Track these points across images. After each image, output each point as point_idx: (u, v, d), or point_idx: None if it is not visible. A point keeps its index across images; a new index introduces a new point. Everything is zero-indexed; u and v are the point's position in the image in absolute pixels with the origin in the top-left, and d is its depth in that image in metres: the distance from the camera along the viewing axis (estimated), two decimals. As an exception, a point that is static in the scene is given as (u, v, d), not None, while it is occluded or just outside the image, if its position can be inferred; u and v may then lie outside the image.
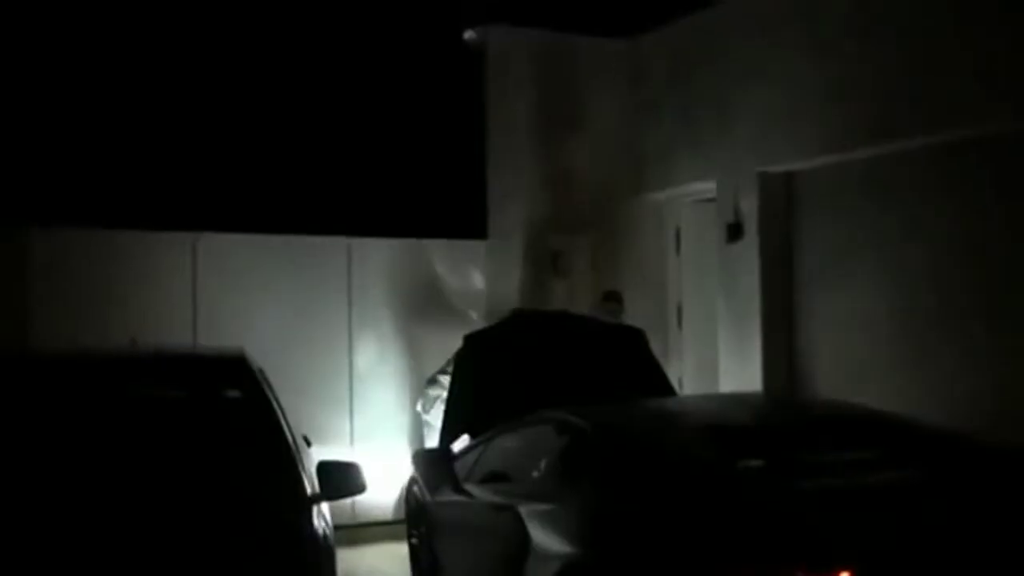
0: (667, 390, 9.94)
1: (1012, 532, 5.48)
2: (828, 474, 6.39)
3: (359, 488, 6.23)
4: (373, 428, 11.76)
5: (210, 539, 5.41)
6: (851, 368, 11.08)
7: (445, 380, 10.52)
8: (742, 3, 12.08)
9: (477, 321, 12.70)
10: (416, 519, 9.46)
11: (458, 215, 13.14)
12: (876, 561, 5.06)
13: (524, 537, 6.69)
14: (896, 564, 5.08)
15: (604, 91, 13.68)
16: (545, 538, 6.56)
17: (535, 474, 7.48)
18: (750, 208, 11.83)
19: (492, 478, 8.12)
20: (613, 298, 12.49)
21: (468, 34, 13.32)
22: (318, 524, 5.82)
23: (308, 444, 8.28)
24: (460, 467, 8.34)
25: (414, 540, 9.48)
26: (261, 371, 7.23)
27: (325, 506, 6.18)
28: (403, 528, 9.48)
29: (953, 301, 10.14)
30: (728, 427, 7.16)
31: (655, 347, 13.28)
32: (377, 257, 12.18)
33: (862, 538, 5.23)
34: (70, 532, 5.35)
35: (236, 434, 6.57)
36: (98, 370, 7.21)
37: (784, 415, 8.12)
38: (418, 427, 11.78)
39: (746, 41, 11.92)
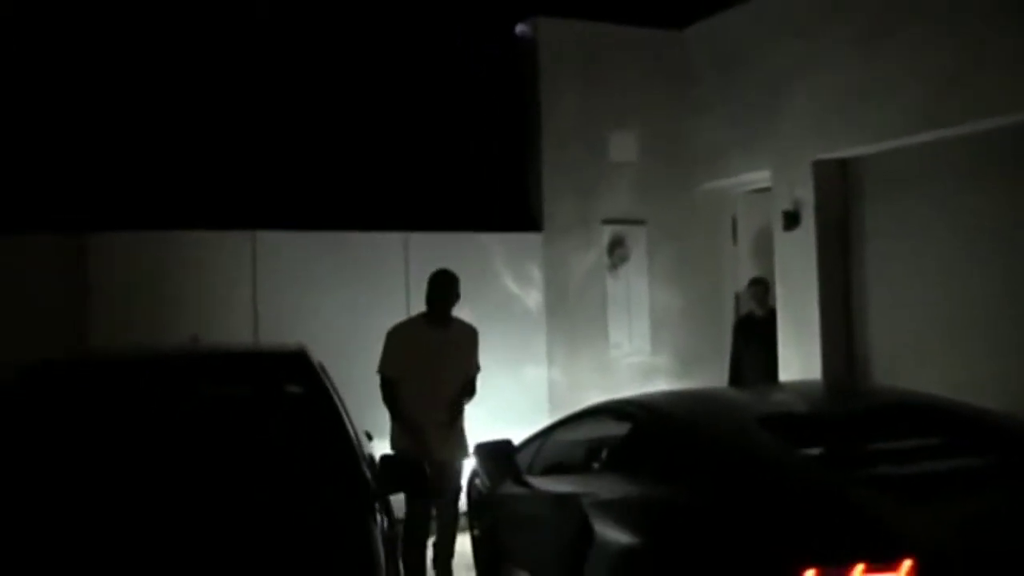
0: None
1: None
2: (890, 463, 6.37)
3: (420, 482, 6.28)
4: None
5: (274, 534, 5.43)
6: (910, 355, 11.04)
7: None
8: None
9: (535, 313, 12.73)
10: (478, 511, 9.50)
11: (514, 208, 13.15)
12: (939, 550, 5.03)
13: (586, 527, 6.71)
14: (959, 554, 5.05)
15: (655, 82, 13.67)
16: (607, 528, 6.56)
17: (596, 464, 7.50)
18: (806, 196, 11.80)
19: (554, 469, 8.14)
20: (759, 283, 12.53)
21: (520, 27, 13.34)
22: (380, 518, 5.85)
23: (370, 439, 8.33)
24: (522, 459, 8.36)
25: (476, 532, 9.53)
26: (322, 366, 7.28)
27: (387, 501, 6.23)
28: (465, 520, 9.52)
29: (1013, 286, 10.08)
30: (788, 416, 7.14)
31: (713, 336, 13.37)
32: (434, 251, 12.15)
33: (924, 527, 5.20)
34: (138, 526, 5.39)
35: (299, 429, 6.62)
36: (160, 368, 7.28)
37: (844, 403, 8.09)
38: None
39: (798, 29, 11.88)
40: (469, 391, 9.08)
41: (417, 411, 8.77)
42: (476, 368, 9.16)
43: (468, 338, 9.18)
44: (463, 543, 8.34)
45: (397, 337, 9.12)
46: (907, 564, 4.91)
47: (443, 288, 9.15)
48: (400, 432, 8.83)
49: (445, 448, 8.82)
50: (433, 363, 8.87)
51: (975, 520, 5.34)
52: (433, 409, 8.77)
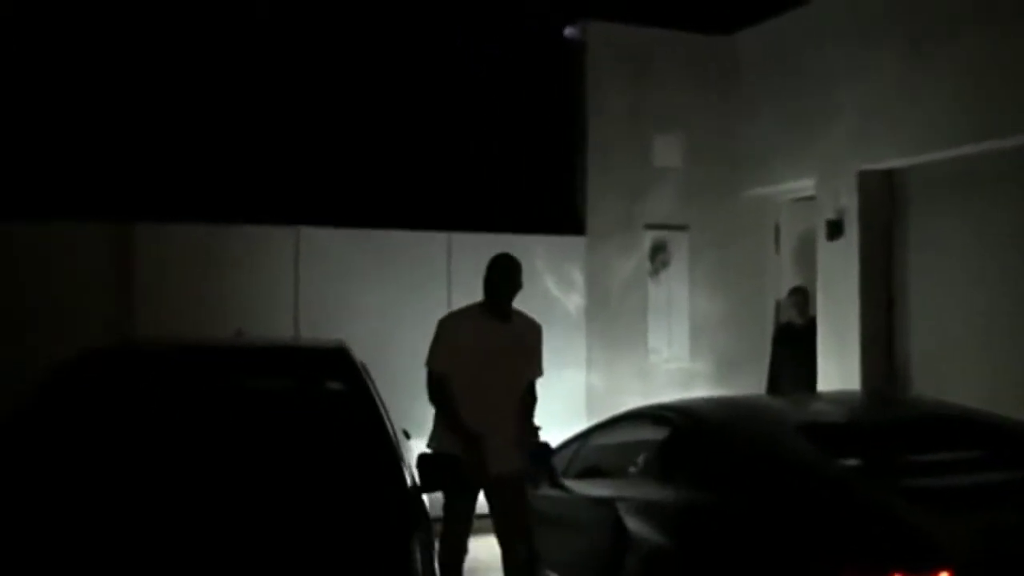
0: None
1: None
2: (927, 474, 6.38)
3: (458, 480, 6.31)
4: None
5: (312, 530, 5.45)
6: (951, 367, 10.99)
7: None
8: (841, 1, 12.01)
9: (575, 317, 12.75)
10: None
11: (557, 211, 13.16)
12: (976, 562, 5.04)
13: (622, 530, 6.74)
14: (996, 565, 5.06)
15: (701, 87, 13.66)
16: (643, 531, 6.60)
17: (632, 469, 7.52)
18: (850, 206, 11.77)
19: (590, 473, 8.17)
20: (799, 292, 12.56)
21: (568, 31, 13.36)
22: (419, 515, 5.88)
23: (408, 437, 8.35)
24: (558, 462, 8.39)
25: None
26: (363, 364, 7.32)
27: (424, 498, 6.25)
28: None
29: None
30: (826, 425, 7.16)
31: (752, 344, 13.35)
32: (476, 252, 12.11)
33: (962, 538, 5.21)
34: (172, 521, 5.43)
35: (339, 426, 6.63)
36: (204, 360, 7.33)
37: (883, 414, 8.09)
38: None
39: (844, 38, 11.86)
40: (532, 398, 7.78)
41: (470, 416, 7.41)
42: (539, 371, 7.86)
43: (534, 334, 7.87)
44: (492, 544, 8.07)
45: (451, 327, 7.82)
46: (944, 575, 4.92)
47: (509, 273, 7.83)
48: (448, 436, 7.48)
49: (503, 462, 7.41)
50: (492, 360, 7.58)
51: (1010, 532, 5.34)
52: (490, 415, 7.44)
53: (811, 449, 6.37)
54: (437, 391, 7.65)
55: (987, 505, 5.72)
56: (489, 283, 7.87)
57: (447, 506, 7.63)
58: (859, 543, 5.30)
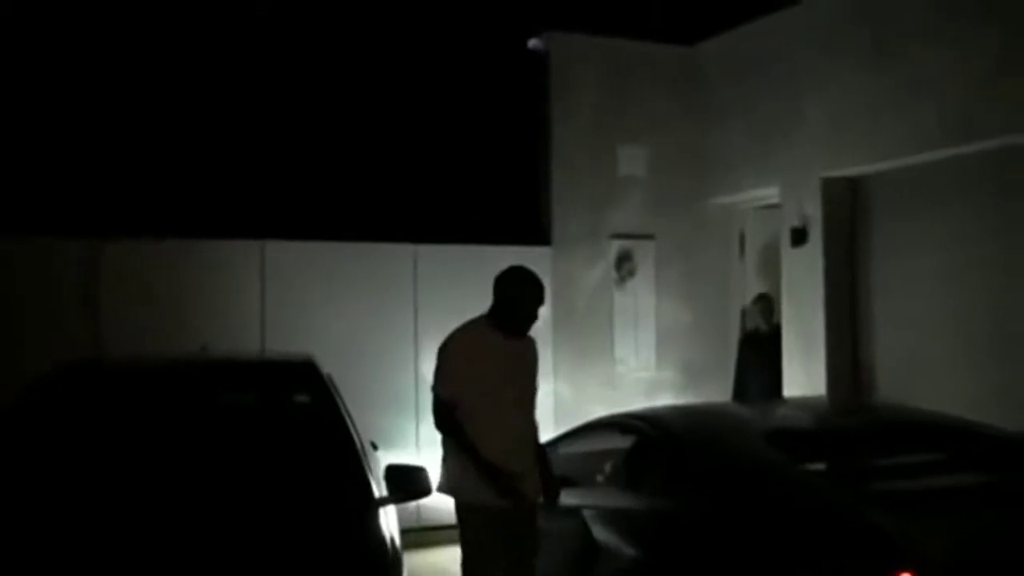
0: None
1: None
2: (890, 478, 6.46)
3: (425, 491, 6.30)
4: (438, 434, 11.81)
5: (280, 541, 5.47)
6: (916, 372, 11.07)
7: None
8: (804, 9, 12.08)
9: (542, 327, 12.77)
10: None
11: (523, 221, 13.18)
12: (937, 564, 5.09)
13: (590, 540, 6.77)
14: (956, 568, 5.11)
15: (666, 97, 13.70)
16: (610, 540, 6.63)
17: (599, 478, 7.56)
18: (814, 213, 11.85)
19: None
20: (764, 299, 12.65)
21: (532, 42, 13.38)
22: (386, 526, 5.88)
23: (375, 449, 8.37)
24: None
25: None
26: (330, 376, 7.33)
27: (392, 509, 6.25)
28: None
29: (1019, 303, 10.13)
30: (791, 431, 7.22)
31: (718, 351, 13.42)
32: (443, 263, 12.26)
33: (923, 541, 5.26)
34: (141, 537, 5.44)
35: (305, 438, 6.67)
36: (169, 376, 7.34)
37: (848, 419, 8.18)
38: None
39: (809, 47, 11.93)
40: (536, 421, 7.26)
41: (492, 445, 6.69)
42: (537, 389, 7.29)
43: (534, 349, 7.27)
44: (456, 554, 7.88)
45: (461, 347, 6.94)
46: (905, 577, 4.97)
47: (538, 291, 7.06)
48: (466, 473, 6.73)
49: (531, 492, 6.85)
50: (511, 382, 6.95)
51: (973, 535, 5.41)
52: (512, 443, 6.83)
53: (776, 455, 6.43)
54: (447, 419, 6.83)
55: (951, 508, 5.77)
56: (517, 302, 7.00)
57: (472, 551, 6.83)
58: (821, 547, 5.36)
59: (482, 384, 6.75)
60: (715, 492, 6.27)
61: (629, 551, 6.48)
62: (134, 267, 11.15)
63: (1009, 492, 6.10)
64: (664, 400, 12.34)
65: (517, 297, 6.97)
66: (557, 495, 6.97)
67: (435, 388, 6.91)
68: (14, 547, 5.30)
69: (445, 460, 6.93)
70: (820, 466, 6.50)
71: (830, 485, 6.24)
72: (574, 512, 7.02)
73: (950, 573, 5.10)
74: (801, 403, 9.92)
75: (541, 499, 6.95)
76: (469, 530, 6.80)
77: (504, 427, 6.78)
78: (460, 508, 6.83)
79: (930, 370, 10.92)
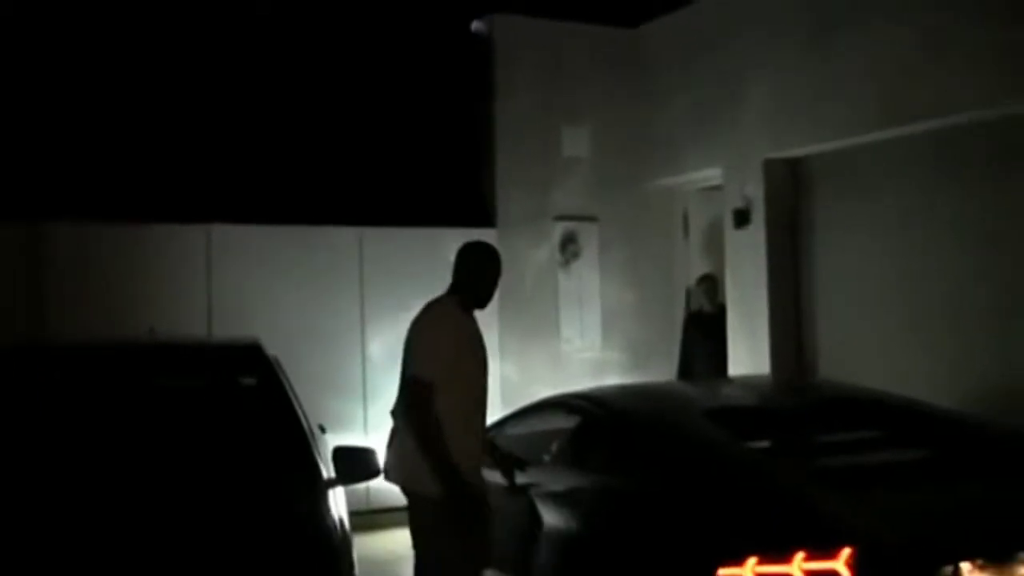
0: None
1: (1013, 514, 5.59)
2: (832, 455, 6.55)
3: (374, 472, 6.29)
4: (386, 416, 11.74)
5: (227, 525, 5.50)
6: (858, 352, 11.22)
7: None
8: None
9: (488, 308, 12.80)
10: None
11: (467, 204, 13.24)
12: (877, 539, 5.17)
13: (536, 518, 6.83)
14: (896, 543, 5.19)
15: (610, 79, 13.80)
16: (555, 519, 6.69)
17: (546, 457, 7.61)
18: (756, 194, 11.96)
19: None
20: (708, 280, 12.73)
21: (475, 24, 13.44)
22: (334, 508, 5.91)
23: (323, 432, 8.39)
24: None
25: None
26: (276, 359, 7.34)
27: (341, 492, 6.27)
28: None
29: (960, 287, 10.28)
30: (735, 409, 7.30)
31: (664, 331, 13.52)
32: (388, 246, 12.29)
33: (863, 517, 5.35)
34: (84, 520, 5.44)
35: (252, 421, 6.69)
36: (114, 359, 7.30)
37: (789, 397, 8.27)
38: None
39: (750, 29, 12.04)
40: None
41: (463, 440, 6.32)
42: None
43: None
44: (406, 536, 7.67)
45: (449, 326, 6.56)
46: (846, 552, 5.05)
47: (500, 267, 6.79)
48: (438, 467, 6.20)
49: (477, 483, 6.51)
50: (483, 370, 6.70)
51: (915, 510, 5.49)
52: (471, 435, 6.50)
53: (718, 432, 6.51)
54: (426, 413, 6.25)
55: (890, 485, 5.86)
56: (488, 277, 6.72)
57: (427, 541, 6.42)
58: (763, 523, 5.43)
59: (460, 372, 6.40)
60: (658, 470, 6.33)
61: (575, 528, 6.54)
62: (77, 251, 11.11)
63: (947, 467, 6.21)
64: (610, 380, 12.41)
65: (487, 272, 6.69)
66: (511, 469, 6.98)
67: (415, 372, 6.32)
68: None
69: (395, 447, 6.53)
70: (762, 444, 6.58)
71: (772, 463, 6.33)
72: (521, 491, 7.07)
73: (891, 547, 5.17)
74: (744, 381, 10.03)
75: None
76: (423, 520, 6.40)
77: (472, 420, 6.52)
78: (412, 498, 6.46)
79: (872, 348, 11.08)
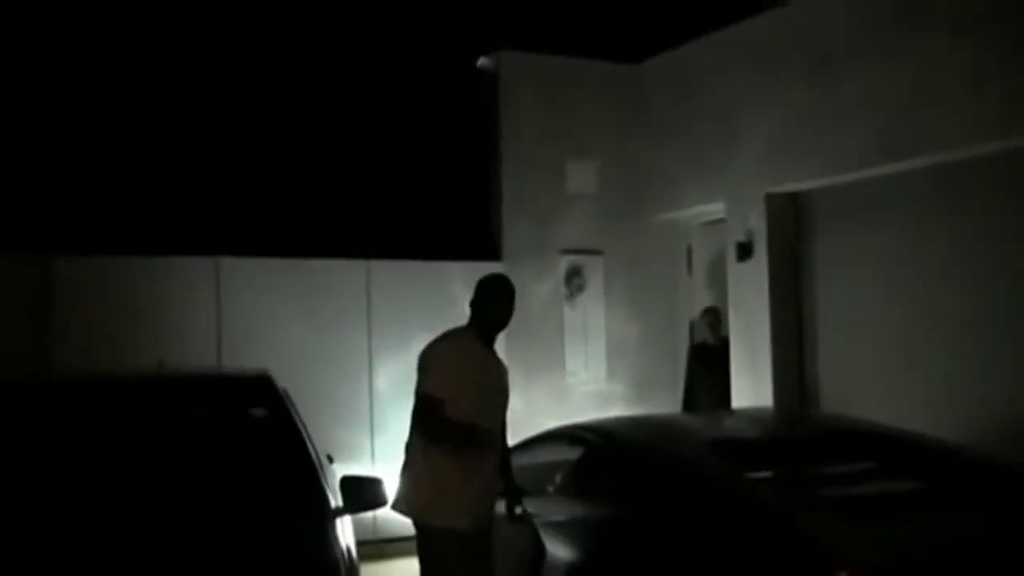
0: None
1: (1006, 544, 5.70)
2: (832, 485, 6.66)
3: (381, 501, 6.38)
4: (394, 447, 11.81)
5: (238, 553, 5.60)
6: (860, 383, 11.29)
7: None
8: (744, 30, 12.34)
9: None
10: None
11: (473, 237, 13.35)
12: (873, 566, 5.28)
13: (540, 548, 6.91)
14: (892, 567, 5.30)
15: (613, 114, 13.95)
16: (559, 549, 6.78)
17: (550, 488, 7.71)
18: (758, 228, 12.06)
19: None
20: (712, 313, 12.84)
21: (481, 61, 13.59)
22: (342, 537, 6.00)
23: (331, 461, 8.46)
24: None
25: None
26: (285, 391, 7.43)
27: (348, 520, 6.34)
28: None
29: (959, 318, 10.36)
30: (735, 441, 7.40)
31: (667, 364, 13.60)
32: (395, 279, 12.38)
33: (861, 545, 5.46)
34: (98, 549, 5.52)
35: (262, 451, 6.78)
36: (127, 391, 7.40)
37: (790, 429, 8.39)
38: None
39: (749, 65, 12.18)
40: (507, 448, 7.19)
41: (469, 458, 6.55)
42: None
43: (505, 370, 7.13)
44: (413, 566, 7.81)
45: (450, 356, 6.77)
46: (844, 577, 5.16)
47: (512, 299, 6.98)
48: (443, 496, 6.51)
49: (490, 512, 6.78)
50: (492, 397, 6.85)
51: (909, 539, 5.60)
52: (484, 460, 6.68)
53: (719, 464, 6.62)
54: (432, 413, 6.54)
55: (888, 515, 5.98)
56: (497, 305, 6.89)
57: (434, 571, 6.64)
58: (761, 549, 5.55)
59: (469, 398, 6.55)
60: (659, 499, 6.44)
61: (577, 558, 6.64)
62: (86, 284, 11.18)
63: (942, 497, 6.32)
64: (615, 412, 12.44)
65: (498, 298, 6.90)
66: (518, 504, 7.02)
67: (425, 389, 6.59)
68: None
69: (409, 477, 6.72)
70: (763, 475, 6.69)
71: (772, 493, 6.44)
72: (526, 521, 7.16)
73: (885, 572, 5.28)
74: (746, 413, 10.13)
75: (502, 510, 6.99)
76: (432, 552, 6.61)
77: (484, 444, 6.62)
78: (423, 530, 6.64)
79: (873, 379, 11.15)
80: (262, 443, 6.91)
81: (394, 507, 6.68)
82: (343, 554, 5.86)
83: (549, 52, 13.62)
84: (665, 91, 13.73)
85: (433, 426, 6.55)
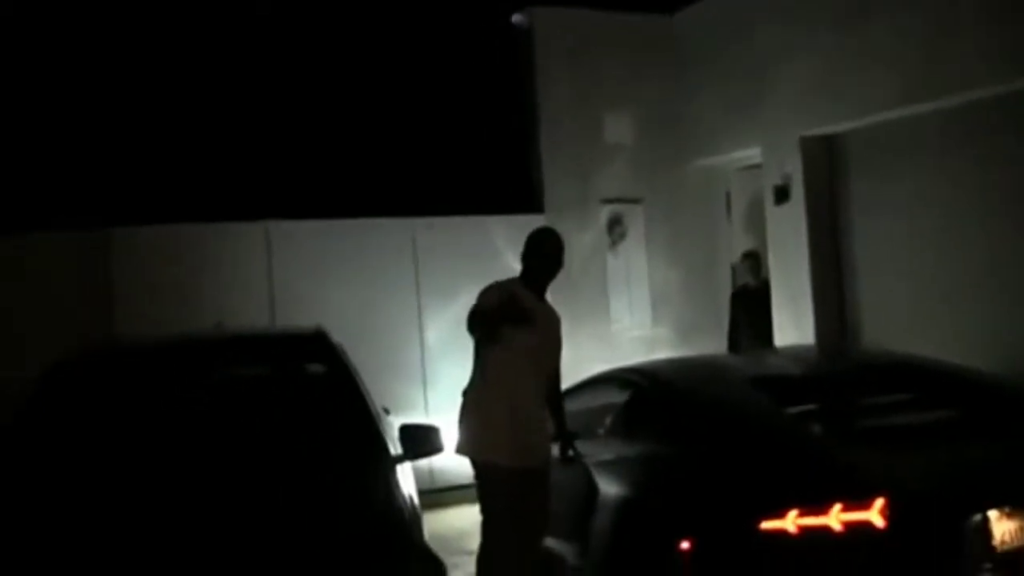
0: None
1: None
2: (868, 415, 6.88)
3: (438, 447, 6.59)
4: (446, 398, 12.01)
5: (304, 502, 5.78)
6: (898, 319, 11.49)
7: None
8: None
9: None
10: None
11: (515, 191, 13.55)
12: (908, 488, 5.54)
13: (592, 488, 7.16)
14: (929, 491, 5.55)
15: (646, 66, 14.11)
16: (610, 487, 7.02)
17: (600, 430, 7.93)
18: (795, 171, 12.23)
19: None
20: (752, 256, 13.02)
21: (515, 17, 13.72)
22: (403, 484, 6.20)
23: (387, 414, 8.62)
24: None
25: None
26: (340, 346, 7.58)
27: (409, 469, 6.57)
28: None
29: (996, 254, 10.54)
30: (777, 377, 7.61)
31: (711, 307, 13.77)
32: (441, 235, 12.61)
33: (897, 471, 5.72)
34: (175, 504, 5.71)
35: (323, 404, 6.94)
36: (186, 353, 7.61)
37: (830, 364, 8.58)
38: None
39: (782, 10, 12.32)
40: (560, 394, 7.57)
41: (507, 395, 6.95)
42: (559, 363, 7.54)
43: (558, 322, 7.48)
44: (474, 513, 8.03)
45: (500, 287, 7.10)
46: (879, 503, 5.41)
47: (560, 250, 7.32)
48: (486, 429, 6.98)
49: (536, 454, 7.07)
50: (538, 340, 7.08)
51: (944, 466, 5.84)
52: (526, 399, 7.04)
53: (762, 399, 6.84)
54: (481, 318, 6.84)
55: (924, 441, 6.24)
56: (547, 259, 7.26)
57: (492, 508, 7.01)
58: (801, 479, 5.80)
59: (514, 335, 6.81)
60: (704, 434, 6.67)
61: (629, 495, 6.86)
62: (142, 253, 11.45)
63: (978, 425, 6.55)
64: (660, 357, 12.66)
65: (552, 256, 7.28)
66: (570, 447, 7.40)
67: (474, 308, 6.91)
68: (47, 532, 5.52)
69: (462, 421, 7.14)
70: (803, 408, 6.90)
71: (811, 425, 6.67)
72: (578, 462, 7.39)
73: (922, 497, 5.53)
74: (788, 351, 10.32)
75: (556, 454, 7.35)
76: (480, 488, 7.08)
77: (522, 382, 7.00)
78: (477, 467, 7.08)
79: (912, 316, 11.33)
80: (322, 396, 7.06)
81: (457, 450, 7.06)
82: (405, 501, 6.03)
83: (582, 6, 13.76)
84: (698, 40, 13.89)
85: (479, 320, 6.84)
